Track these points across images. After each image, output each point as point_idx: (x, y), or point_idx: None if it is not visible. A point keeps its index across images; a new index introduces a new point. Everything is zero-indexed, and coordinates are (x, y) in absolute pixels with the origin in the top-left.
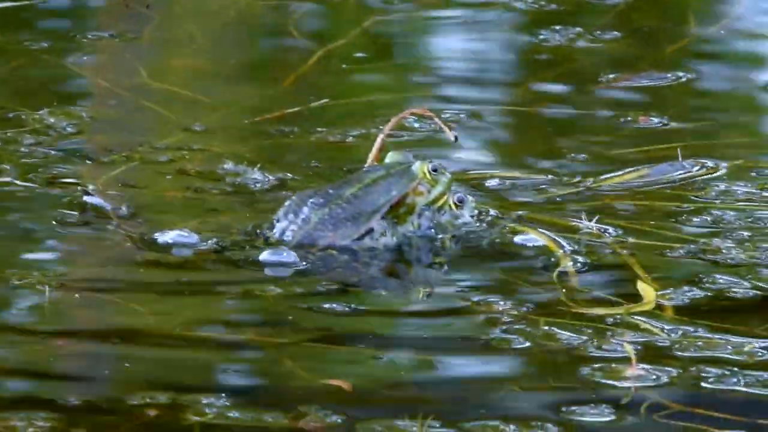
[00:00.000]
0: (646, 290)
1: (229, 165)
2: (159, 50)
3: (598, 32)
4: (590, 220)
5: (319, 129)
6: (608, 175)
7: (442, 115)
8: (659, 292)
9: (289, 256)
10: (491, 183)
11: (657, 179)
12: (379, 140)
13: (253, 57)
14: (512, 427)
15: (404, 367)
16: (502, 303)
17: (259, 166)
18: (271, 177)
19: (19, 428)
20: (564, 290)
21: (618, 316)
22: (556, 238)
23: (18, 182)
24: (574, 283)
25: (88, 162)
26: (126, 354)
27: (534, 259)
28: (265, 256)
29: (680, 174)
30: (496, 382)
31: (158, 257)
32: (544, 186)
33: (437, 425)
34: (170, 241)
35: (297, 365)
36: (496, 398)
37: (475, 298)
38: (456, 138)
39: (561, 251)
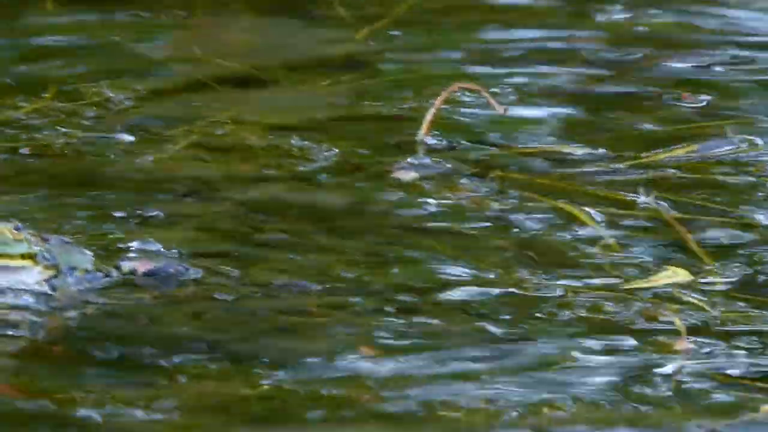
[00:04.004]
0: (678, 271)
1: (294, 140)
2: (209, 25)
3: (643, 9)
4: (646, 195)
5: (373, 103)
6: (656, 151)
7: (490, 90)
8: (706, 267)
9: None
10: (541, 158)
11: (705, 155)
12: (430, 113)
13: (301, 32)
14: (569, 403)
15: (458, 346)
16: (548, 277)
17: (324, 145)
18: (334, 150)
19: (78, 400)
20: (609, 263)
21: (664, 289)
22: (588, 211)
23: (86, 153)
24: (619, 257)
25: (148, 136)
26: (181, 323)
27: (578, 233)
28: None
29: (728, 150)
30: (549, 357)
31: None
32: (593, 161)
33: (496, 402)
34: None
35: (354, 337)
36: (550, 375)
37: (523, 273)
38: (505, 111)
39: (600, 226)
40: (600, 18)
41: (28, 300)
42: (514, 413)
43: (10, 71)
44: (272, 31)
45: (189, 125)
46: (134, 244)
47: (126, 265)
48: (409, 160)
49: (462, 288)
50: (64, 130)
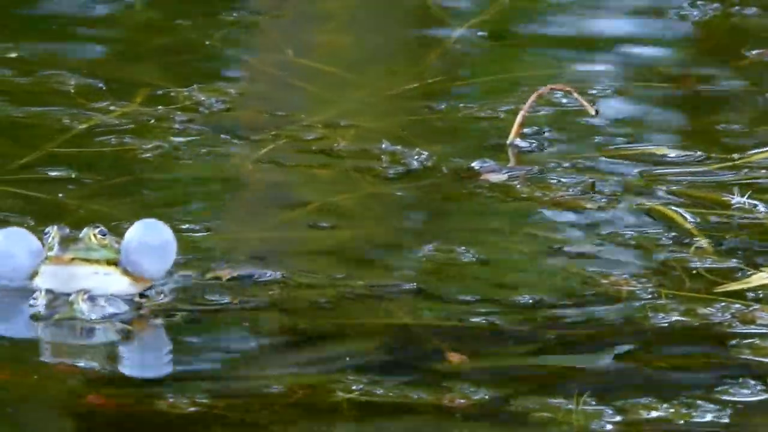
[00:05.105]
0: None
1: (384, 144)
2: (301, 27)
3: (737, 8)
4: (742, 196)
5: (468, 105)
6: (754, 151)
7: (587, 91)
8: None
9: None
10: (635, 159)
11: None
12: (520, 116)
13: (393, 33)
14: (665, 405)
15: (552, 347)
16: (642, 280)
17: (416, 148)
18: (425, 153)
19: (181, 405)
20: (702, 266)
21: (760, 292)
22: (686, 215)
23: (174, 158)
24: (713, 258)
25: (239, 140)
26: (271, 332)
27: (671, 234)
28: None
29: None
30: (643, 359)
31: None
32: (687, 162)
33: (592, 403)
34: None
35: (445, 344)
36: (646, 376)
37: (617, 275)
38: (597, 112)
39: (695, 228)
40: (696, 15)
41: (115, 306)
42: (609, 415)
43: (100, 74)
44: (364, 32)
45: (279, 129)
46: (218, 247)
47: (210, 270)
48: (499, 161)
49: (553, 290)
50: (153, 134)
